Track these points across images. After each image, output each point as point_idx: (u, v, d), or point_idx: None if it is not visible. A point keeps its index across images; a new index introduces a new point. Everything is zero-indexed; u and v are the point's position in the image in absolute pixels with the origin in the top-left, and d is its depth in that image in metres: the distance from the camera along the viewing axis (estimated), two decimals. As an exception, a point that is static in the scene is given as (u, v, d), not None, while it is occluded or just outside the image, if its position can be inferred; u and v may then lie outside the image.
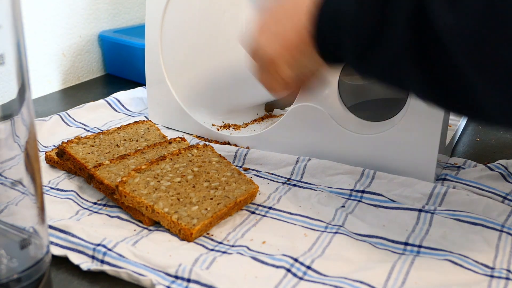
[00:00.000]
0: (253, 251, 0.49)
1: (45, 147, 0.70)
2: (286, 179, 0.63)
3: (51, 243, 0.49)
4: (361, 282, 0.45)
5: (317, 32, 0.45)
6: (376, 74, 0.45)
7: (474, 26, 0.35)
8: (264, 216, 0.55)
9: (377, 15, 0.40)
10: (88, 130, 0.75)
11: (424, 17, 0.38)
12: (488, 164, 0.63)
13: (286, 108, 0.75)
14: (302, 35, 0.46)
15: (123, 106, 0.83)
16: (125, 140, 0.66)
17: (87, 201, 0.57)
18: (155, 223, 0.53)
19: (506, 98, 0.36)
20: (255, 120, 0.78)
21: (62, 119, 0.77)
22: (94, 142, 0.64)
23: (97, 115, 0.80)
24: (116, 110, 0.82)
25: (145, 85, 0.88)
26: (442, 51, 0.37)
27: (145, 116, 0.80)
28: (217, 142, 0.72)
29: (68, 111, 0.78)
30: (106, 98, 0.84)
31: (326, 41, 0.45)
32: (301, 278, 0.46)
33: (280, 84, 0.51)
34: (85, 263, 0.47)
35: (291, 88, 0.53)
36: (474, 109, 0.40)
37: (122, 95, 0.85)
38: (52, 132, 0.73)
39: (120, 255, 0.47)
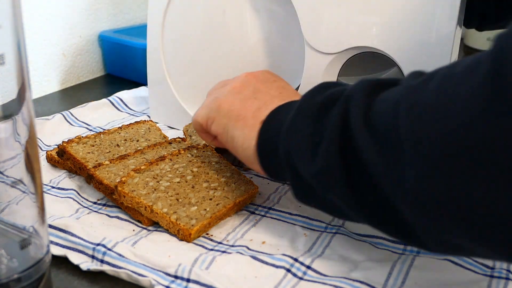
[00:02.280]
0: (253, 250, 0.49)
1: (48, 146, 0.70)
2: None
3: (51, 242, 0.49)
4: (361, 282, 0.45)
5: (261, 140, 0.48)
6: (313, 198, 0.45)
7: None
8: (264, 216, 0.55)
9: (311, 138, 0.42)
10: (90, 130, 0.75)
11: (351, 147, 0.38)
12: None
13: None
14: (249, 146, 0.49)
15: (126, 105, 0.83)
16: (125, 140, 0.66)
17: (87, 200, 0.58)
18: (154, 223, 0.53)
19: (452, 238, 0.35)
20: (255, 120, 0.78)
21: (65, 118, 0.77)
22: (95, 141, 0.64)
23: (100, 114, 0.80)
24: (119, 110, 0.82)
25: (145, 85, 0.88)
26: (372, 186, 0.37)
27: (148, 116, 0.80)
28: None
29: (71, 110, 0.78)
30: (109, 97, 0.84)
31: (266, 152, 0.47)
32: (301, 278, 0.46)
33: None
34: (85, 263, 0.47)
35: None
36: (411, 239, 0.38)
37: (125, 94, 0.85)
38: (55, 131, 0.73)
39: (120, 255, 0.47)
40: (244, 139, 0.49)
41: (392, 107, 0.35)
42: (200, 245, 0.50)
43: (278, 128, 0.46)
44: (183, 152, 0.61)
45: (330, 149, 0.39)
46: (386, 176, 0.36)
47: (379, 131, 0.36)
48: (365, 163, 0.37)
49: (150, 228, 0.53)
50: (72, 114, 0.78)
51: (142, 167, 0.56)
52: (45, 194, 0.57)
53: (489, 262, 0.48)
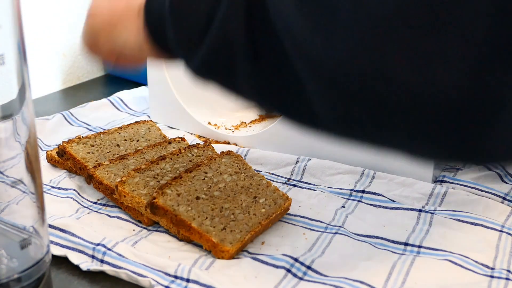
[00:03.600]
0: (252, 251, 0.49)
1: (48, 146, 0.70)
2: (286, 179, 0.63)
3: (51, 242, 0.49)
4: (361, 282, 0.45)
5: (148, 20, 0.43)
6: (206, 70, 0.40)
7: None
8: (264, 216, 0.55)
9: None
10: (90, 130, 0.75)
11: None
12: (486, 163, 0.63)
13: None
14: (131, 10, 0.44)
15: (126, 105, 0.83)
16: (125, 140, 0.66)
17: (87, 200, 0.58)
18: (154, 223, 0.53)
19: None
20: (255, 120, 0.78)
21: (65, 118, 0.77)
22: (95, 141, 0.64)
23: (100, 114, 0.80)
24: (119, 109, 0.82)
25: (145, 85, 0.88)
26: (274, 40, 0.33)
27: (148, 116, 0.80)
28: (217, 141, 0.72)
29: (71, 110, 0.78)
30: (109, 97, 0.83)
31: (157, 30, 0.42)
32: (301, 278, 0.46)
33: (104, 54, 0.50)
34: (85, 263, 0.47)
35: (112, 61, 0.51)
36: (310, 117, 0.35)
37: (125, 94, 0.85)
38: (55, 131, 0.73)
39: (120, 255, 0.47)
40: (133, 35, 0.44)
41: None
42: (200, 246, 0.50)
43: (160, 10, 0.41)
44: (183, 151, 0.61)
45: (231, 12, 0.35)
46: (309, 45, 0.31)
47: None
48: (275, 24, 0.32)
49: (150, 228, 0.53)
50: (72, 114, 0.78)
51: (143, 167, 0.56)
52: (45, 194, 0.57)
53: (489, 263, 0.48)
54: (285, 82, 0.34)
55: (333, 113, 0.33)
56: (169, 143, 0.65)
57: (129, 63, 0.50)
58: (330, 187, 0.60)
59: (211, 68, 0.38)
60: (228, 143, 0.71)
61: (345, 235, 0.52)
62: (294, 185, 0.61)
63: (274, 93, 0.36)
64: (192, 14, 0.37)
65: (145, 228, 0.53)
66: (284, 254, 0.48)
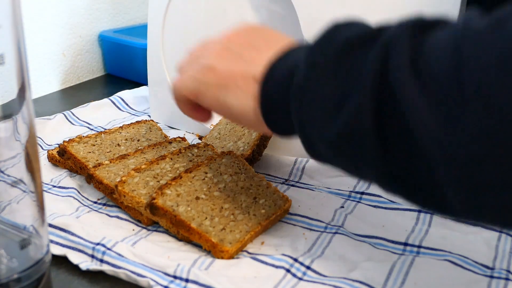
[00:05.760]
0: (252, 251, 0.49)
1: (49, 145, 0.70)
2: (284, 180, 0.63)
3: (51, 241, 0.49)
4: (361, 282, 0.45)
5: (264, 99, 0.42)
6: (331, 156, 0.38)
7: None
8: (263, 216, 0.55)
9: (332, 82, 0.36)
10: (92, 129, 0.75)
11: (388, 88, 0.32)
12: None
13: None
14: (251, 107, 0.43)
15: (127, 105, 0.83)
16: (126, 139, 0.66)
17: (88, 199, 0.58)
18: (153, 223, 0.53)
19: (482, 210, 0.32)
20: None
21: (66, 118, 0.77)
22: (95, 141, 0.64)
23: (101, 114, 0.80)
24: (120, 109, 0.82)
25: (145, 85, 0.88)
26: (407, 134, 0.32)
27: (149, 115, 0.80)
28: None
29: (72, 110, 0.79)
30: (111, 97, 0.84)
31: (273, 109, 0.42)
32: (300, 279, 0.46)
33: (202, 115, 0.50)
34: (84, 263, 0.47)
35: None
36: (441, 206, 0.34)
37: (126, 94, 0.85)
38: (56, 131, 0.74)
39: (119, 255, 0.47)
40: (242, 105, 0.44)
41: (451, 54, 0.30)
42: (199, 247, 0.50)
43: (282, 83, 0.40)
44: (183, 151, 0.61)
45: (361, 107, 0.33)
46: (435, 136, 0.30)
47: (431, 83, 0.30)
48: (407, 122, 0.31)
49: (149, 228, 0.53)
50: (73, 114, 0.78)
51: (143, 167, 0.56)
52: (46, 193, 0.58)
53: (489, 263, 0.48)
54: (415, 174, 0.33)
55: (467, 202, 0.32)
56: (170, 143, 0.65)
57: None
58: (329, 188, 0.60)
59: (336, 154, 0.37)
60: (228, 143, 0.71)
61: (345, 235, 0.52)
62: (293, 185, 0.61)
63: (401, 181, 0.34)
64: (321, 98, 0.36)
65: (144, 228, 0.53)
66: (283, 254, 0.48)
